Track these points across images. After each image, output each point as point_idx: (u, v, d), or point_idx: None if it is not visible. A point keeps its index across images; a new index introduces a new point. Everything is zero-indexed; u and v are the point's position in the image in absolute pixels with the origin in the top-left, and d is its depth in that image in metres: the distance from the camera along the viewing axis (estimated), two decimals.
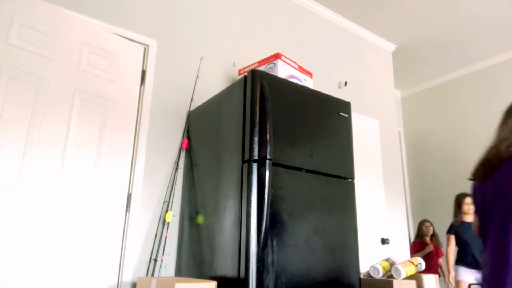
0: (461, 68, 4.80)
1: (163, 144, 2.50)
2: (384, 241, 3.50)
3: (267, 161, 1.83)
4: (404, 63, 4.73)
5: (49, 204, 1.99)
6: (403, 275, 2.20)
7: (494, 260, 1.15)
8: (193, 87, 2.69)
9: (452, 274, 3.61)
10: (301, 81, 2.46)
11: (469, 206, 3.63)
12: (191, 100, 2.64)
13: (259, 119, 1.91)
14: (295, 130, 2.06)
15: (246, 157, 1.87)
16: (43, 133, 2.03)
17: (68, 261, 1.99)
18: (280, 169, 1.93)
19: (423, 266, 2.36)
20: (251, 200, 1.78)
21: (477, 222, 1.32)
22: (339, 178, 2.15)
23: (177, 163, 2.47)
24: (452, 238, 3.68)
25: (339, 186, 2.13)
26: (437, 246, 4.12)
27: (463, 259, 3.55)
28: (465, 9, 3.70)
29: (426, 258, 3.87)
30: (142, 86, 2.53)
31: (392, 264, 2.31)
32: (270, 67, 2.38)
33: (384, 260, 2.34)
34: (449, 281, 3.63)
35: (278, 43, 3.35)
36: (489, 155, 1.28)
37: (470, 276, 3.47)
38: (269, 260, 1.76)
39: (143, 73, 2.55)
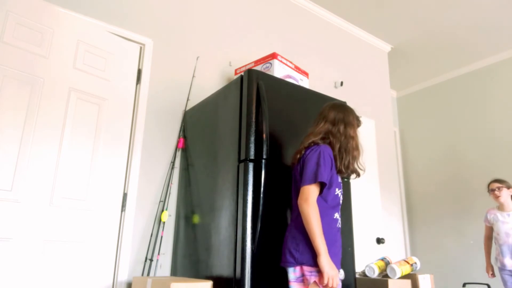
0: (457, 69, 4.83)
1: (159, 143, 2.50)
2: (379, 241, 3.51)
3: (263, 160, 1.84)
4: (400, 64, 4.75)
5: (44, 204, 1.98)
6: (399, 275, 2.21)
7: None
8: (189, 87, 2.69)
9: None
10: (297, 81, 2.46)
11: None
12: (187, 99, 2.63)
13: (255, 118, 1.91)
14: (291, 130, 2.06)
15: (242, 157, 1.87)
16: (38, 132, 2.02)
17: (63, 261, 1.98)
18: (276, 168, 1.93)
19: (418, 265, 2.37)
20: (247, 199, 1.78)
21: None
22: None
23: (173, 162, 2.46)
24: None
25: None
26: None
27: None
28: (461, 10, 3.72)
29: None
30: (138, 85, 2.52)
31: (387, 263, 2.31)
32: (267, 67, 2.38)
33: (379, 259, 2.35)
34: None
35: (274, 42, 3.35)
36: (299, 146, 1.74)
37: None
38: (265, 260, 1.76)
39: (139, 72, 2.54)
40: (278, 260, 1.78)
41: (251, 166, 1.83)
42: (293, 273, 1.58)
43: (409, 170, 5.16)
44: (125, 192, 2.30)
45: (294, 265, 1.57)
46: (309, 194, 1.56)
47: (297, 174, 1.70)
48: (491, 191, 3.21)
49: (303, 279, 1.56)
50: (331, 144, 1.69)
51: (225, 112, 2.11)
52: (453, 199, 4.56)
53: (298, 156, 1.71)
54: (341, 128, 1.71)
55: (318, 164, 1.59)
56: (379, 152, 3.91)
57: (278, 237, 1.83)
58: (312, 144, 1.69)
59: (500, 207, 3.18)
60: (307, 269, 1.54)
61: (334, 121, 1.73)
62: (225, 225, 1.88)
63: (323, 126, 1.73)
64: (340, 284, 1.57)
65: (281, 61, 2.40)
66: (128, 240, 2.23)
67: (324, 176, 1.57)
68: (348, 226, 2.11)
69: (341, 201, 1.73)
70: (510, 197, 3.15)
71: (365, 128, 3.82)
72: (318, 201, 1.60)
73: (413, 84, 5.30)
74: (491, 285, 3.62)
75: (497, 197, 3.15)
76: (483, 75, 4.59)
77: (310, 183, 1.58)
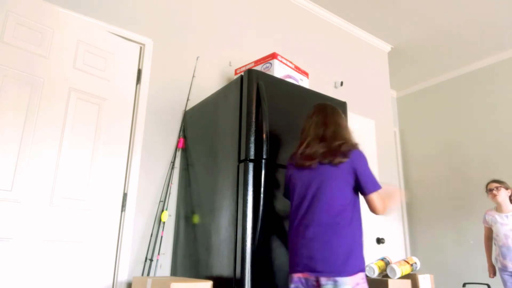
0: (457, 68, 4.83)
1: (159, 143, 2.50)
2: (379, 241, 3.51)
3: (263, 160, 1.83)
4: (400, 63, 4.75)
5: (44, 204, 1.98)
6: (399, 275, 2.21)
7: None
8: (189, 87, 2.69)
9: None
10: (297, 81, 2.46)
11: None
12: (187, 99, 2.63)
13: (255, 118, 1.91)
14: (291, 130, 2.06)
15: (242, 157, 1.87)
16: (38, 132, 2.02)
17: (63, 260, 1.98)
18: (276, 168, 1.93)
19: (418, 265, 2.37)
20: (247, 199, 1.78)
21: None
22: None
23: (173, 162, 2.46)
24: None
25: None
26: None
27: None
28: (461, 9, 3.72)
29: None
30: (138, 85, 2.52)
31: (387, 263, 2.31)
32: (267, 67, 2.38)
33: (379, 259, 2.35)
34: None
35: (275, 42, 3.35)
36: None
37: None
38: (265, 259, 1.76)
39: (139, 72, 2.54)
40: (278, 260, 1.78)
41: (251, 166, 1.83)
42: (350, 284, 1.45)
43: (409, 170, 5.16)
44: (125, 192, 2.30)
45: (350, 274, 1.46)
46: (381, 200, 1.62)
47: (343, 173, 1.61)
48: (489, 191, 3.20)
49: None
50: None
51: (225, 112, 2.11)
52: (453, 199, 4.56)
53: (346, 159, 1.61)
54: (350, 134, 1.76)
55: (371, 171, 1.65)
56: (379, 152, 3.90)
57: (278, 237, 1.83)
58: (353, 148, 1.66)
59: (498, 208, 3.16)
60: (362, 276, 1.48)
61: (346, 128, 1.75)
62: (225, 225, 1.88)
63: (342, 131, 1.71)
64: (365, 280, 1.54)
65: (281, 61, 2.40)
66: (128, 240, 2.23)
67: None
68: None
69: None
70: (508, 198, 3.13)
71: (365, 128, 3.82)
72: (358, 204, 1.64)
73: (413, 84, 5.30)
74: (491, 285, 3.62)
75: (494, 197, 3.13)
76: (483, 75, 4.59)
77: (377, 190, 1.62)
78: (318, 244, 1.51)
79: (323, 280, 1.47)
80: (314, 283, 1.51)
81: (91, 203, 2.14)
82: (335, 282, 1.45)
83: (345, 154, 1.60)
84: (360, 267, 1.50)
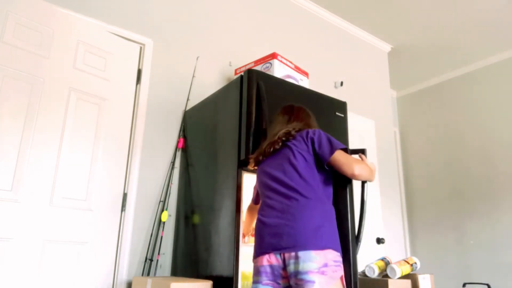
0: (457, 69, 4.82)
1: (159, 143, 2.50)
2: (379, 241, 3.51)
3: None
4: (400, 64, 4.75)
5: (44, 204, 1.98)
6: (399, 275, 2.21)
7: None
8: (189, 87, 2.68)
9: None
10: (297, 81, 2.46)
11: None
12: (187, 99, 2.63)
13: (255, 119, 1.91)
14: None
15: (242, 157, 1.87)
16: (38, 132, 2.02)
17: (63, 260, 1.98)
18: None
19: (418, 265, 2.37)
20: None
21: None
22: None
23: (173, 162, 2.46)
24: None
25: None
26: None
27: None
28: (461, 10, 3.72)
29: None
30: (138, 85, 2.52)
31: (387, 263, 2.31)
32: (267, 67, 2.38)
33: (379, 259, 2.35)
34: None
35: (275, 42, 3.35)
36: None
37: None
38: None
39: (139, 72, 2.54)
40: None
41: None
42: (315, 261, 1.25)
43: (409, 170, 5.16)
44: (125, 192, 2.30)
45: (317, 248, 1.26)
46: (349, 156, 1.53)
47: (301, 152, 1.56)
48: None
49: (324, 270, 1.24)
50: None
51: (225, 112, 2.11)
52: (453, 199, 4.56)
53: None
54: None
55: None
56: (379, 152, 3.90)
57: None
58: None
59: None
60: (332, 256, 1.28)
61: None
62: (225, 225, 1.88)
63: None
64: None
65: (281, 61, 2.40)
66: (128, 240, 2.23)
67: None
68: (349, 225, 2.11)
69: None
70: None
71: (365, 128, 3.82)
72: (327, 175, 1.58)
73: (413, 84, 5.29)
74: (491, 285, 3.63)
75: None
76: (483, 75, 4.59)
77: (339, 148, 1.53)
78: None
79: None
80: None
81: (91, 203, 2.14)
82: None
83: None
84: (334, 245, 1.39)
